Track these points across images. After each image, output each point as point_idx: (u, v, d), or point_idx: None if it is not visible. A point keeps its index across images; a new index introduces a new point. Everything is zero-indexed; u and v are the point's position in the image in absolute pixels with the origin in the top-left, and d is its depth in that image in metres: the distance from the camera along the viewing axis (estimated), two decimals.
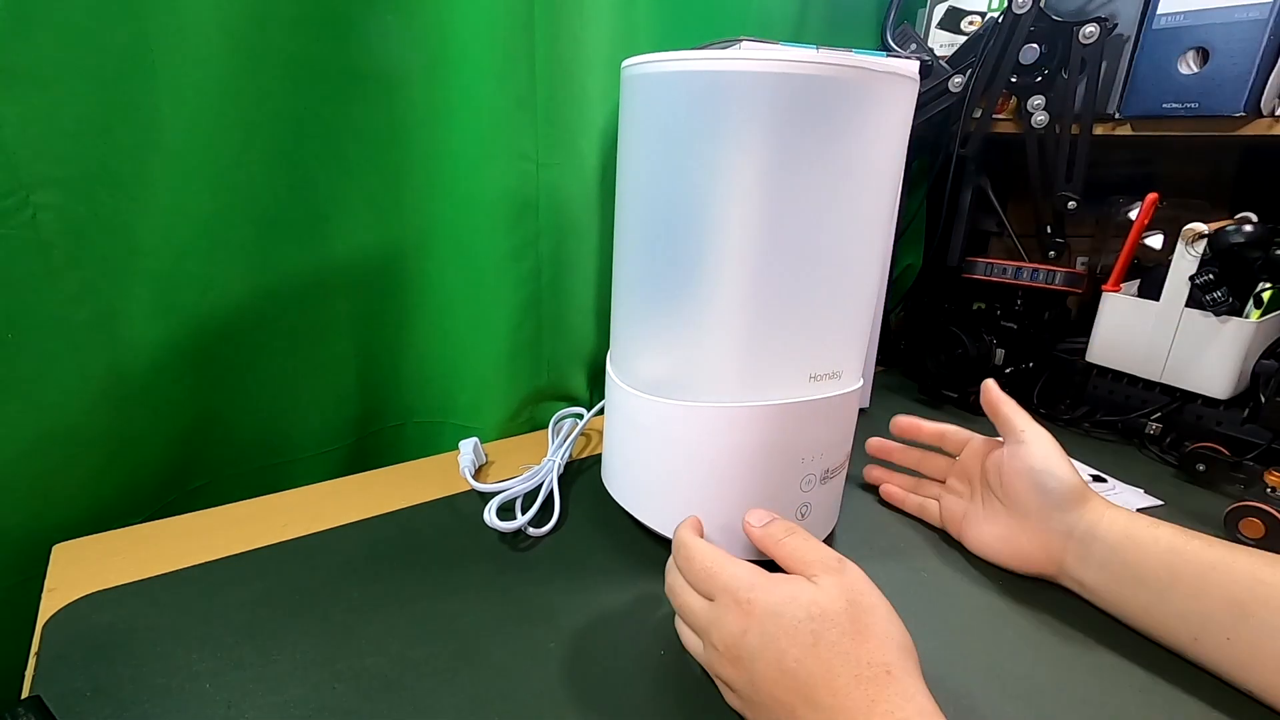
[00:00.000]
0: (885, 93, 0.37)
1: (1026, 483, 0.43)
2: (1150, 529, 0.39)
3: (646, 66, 0.39)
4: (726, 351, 0.41)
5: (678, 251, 0.40)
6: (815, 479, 0.44)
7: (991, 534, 0.45)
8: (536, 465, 0.54)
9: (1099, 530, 0.40)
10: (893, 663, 0.30)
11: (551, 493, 0.52)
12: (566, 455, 0.57)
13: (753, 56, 0.36)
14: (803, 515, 0.45)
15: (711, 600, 0.34)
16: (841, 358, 0.43)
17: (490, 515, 0.47)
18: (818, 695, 0.29)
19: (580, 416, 0.61)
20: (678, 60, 0.38)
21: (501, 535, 0.48)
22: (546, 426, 0.68)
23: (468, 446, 0.58)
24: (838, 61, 0.35)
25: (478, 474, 0.56)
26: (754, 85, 0.35)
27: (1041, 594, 0.43)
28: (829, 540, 0.48)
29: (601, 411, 0.54)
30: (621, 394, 0.47)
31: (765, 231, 0.38)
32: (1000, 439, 0.47)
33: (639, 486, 0.48)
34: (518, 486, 0.52)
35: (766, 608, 0.31)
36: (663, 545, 0.46)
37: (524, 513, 0.48)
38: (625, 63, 0.41)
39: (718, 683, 0.35)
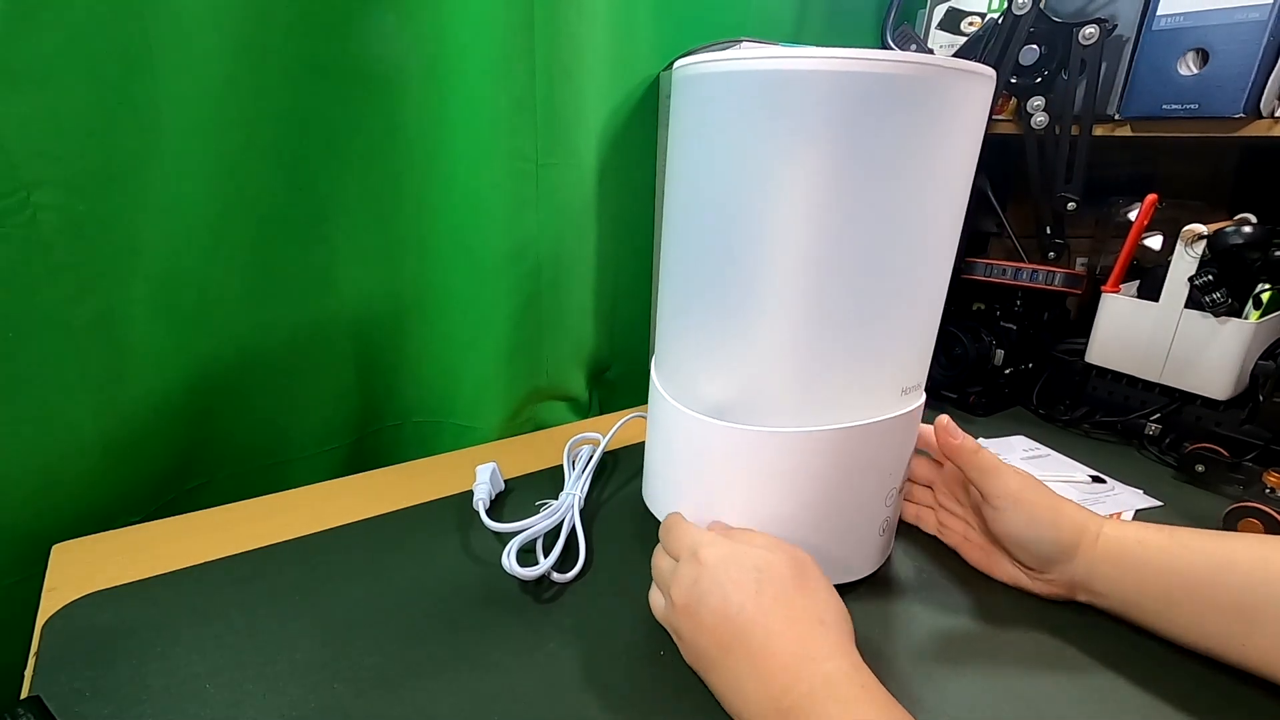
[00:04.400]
0: (961, 92, 0.35)
1: (1017, 546, 0.42)
2: (1144, 532, 0.40)
3: (703, 66, 0.36)
4: (821, 370, 0.38)
5: (747, 266, 0.37)
6: (895, 493, 0.43)
7: (1007, 571, 0.44)
8: (554, 501, 0.49)
9: (1098, 559, 0.40)
10: (827, 619, 0.32)
11: (574, 532, 0.47)
12: (585, 488, 0.52)
13: (821, 55, 0.33)
14: (882, 532, 0.43)
15: (678, 561, 0.37)
16: (923, 368, 0.42)
17: (510, 561, 0.43)
18: (752, 639, 0.32)
19: (596, 442, 0.57)
20: (739, 59, 0.35)
21: (523, 584, 0.43)
22: (546, 426, 0.68)
23: (485, 473, 0.52)
24: (913, 60, 0.33)
25: (494, 503, 0.52)
26: (825, 84, 0.33)
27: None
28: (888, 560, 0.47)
29: (641, 414, 0.50)
30: (683, 418, 0.42)
31: (846, 240, 0.35)
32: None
33: (704, 509, 0.43)
34: (537, 525, 0.46)
35: (719, 557, 0.35)
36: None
37: (545, 555, 0.44)
38: (678, 63, 0.39)
39: (674, 638, 0.37)
